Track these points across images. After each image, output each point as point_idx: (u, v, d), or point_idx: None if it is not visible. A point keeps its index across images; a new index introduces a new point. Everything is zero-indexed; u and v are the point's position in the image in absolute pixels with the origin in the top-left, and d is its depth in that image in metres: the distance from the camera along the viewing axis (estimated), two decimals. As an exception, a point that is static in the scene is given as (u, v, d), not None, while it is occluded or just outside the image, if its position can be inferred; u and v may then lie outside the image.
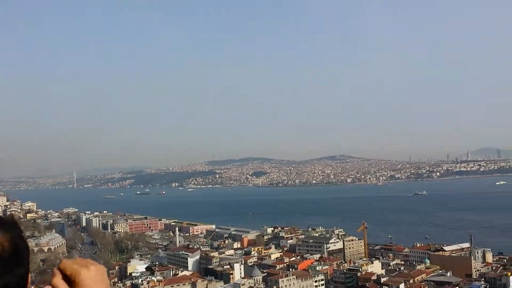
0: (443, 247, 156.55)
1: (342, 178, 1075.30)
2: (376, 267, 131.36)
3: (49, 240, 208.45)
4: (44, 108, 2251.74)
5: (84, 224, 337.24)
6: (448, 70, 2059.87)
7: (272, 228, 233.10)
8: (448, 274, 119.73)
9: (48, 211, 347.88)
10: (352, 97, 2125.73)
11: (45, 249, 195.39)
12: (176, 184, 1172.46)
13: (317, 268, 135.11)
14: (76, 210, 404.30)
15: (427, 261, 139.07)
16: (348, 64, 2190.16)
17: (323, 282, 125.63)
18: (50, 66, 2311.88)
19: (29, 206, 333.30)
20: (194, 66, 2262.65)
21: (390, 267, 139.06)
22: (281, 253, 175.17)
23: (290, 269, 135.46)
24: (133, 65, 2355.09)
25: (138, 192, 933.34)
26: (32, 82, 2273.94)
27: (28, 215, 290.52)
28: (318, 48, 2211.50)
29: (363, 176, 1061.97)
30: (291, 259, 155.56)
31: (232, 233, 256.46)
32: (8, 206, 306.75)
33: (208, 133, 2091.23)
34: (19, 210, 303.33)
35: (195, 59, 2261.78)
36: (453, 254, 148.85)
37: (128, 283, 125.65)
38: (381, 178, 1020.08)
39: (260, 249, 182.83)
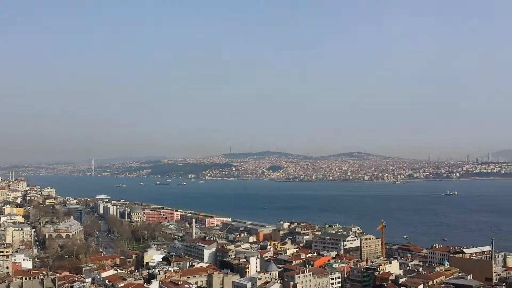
0: (463, 250, 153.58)
1: (360, 175, 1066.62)
2: (394, 267, 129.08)
3: (67, 226, 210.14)
4: (64, 101, 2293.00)
5: (101, 211, 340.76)
6: (466, 69, 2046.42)
7: (288, 223, 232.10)
8: (468, 277, 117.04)
9: (66, 198, 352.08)
10: (369, 95, 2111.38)
11: (63, 235, 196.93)
12: (193, 175, 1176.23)
13: (334, 266, 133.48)
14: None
15: (446, 263, 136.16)
16: (365, 64, 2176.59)
17: (339, 280, 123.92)
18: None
19: (49, 192, 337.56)
20: (215, 62, 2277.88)
21: (408, 268, 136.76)
22: (297, 249, 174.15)
23: (307, 266, 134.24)
24: (156, 56, 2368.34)
25: (158, 182, 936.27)
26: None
27: (47, 200, 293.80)
28: (335, 50, 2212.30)
29: (380, 174, 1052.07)
30: (307, 255, 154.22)
31: (248, 226, 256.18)
32: (28, 191, 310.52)
33: (226, 126, 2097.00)
34: (38, 196, 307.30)
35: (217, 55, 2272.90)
36: (473, 257, 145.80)
37: (145, 272, 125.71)
38: (399, 176, 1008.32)
39: (276, 244, 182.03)
